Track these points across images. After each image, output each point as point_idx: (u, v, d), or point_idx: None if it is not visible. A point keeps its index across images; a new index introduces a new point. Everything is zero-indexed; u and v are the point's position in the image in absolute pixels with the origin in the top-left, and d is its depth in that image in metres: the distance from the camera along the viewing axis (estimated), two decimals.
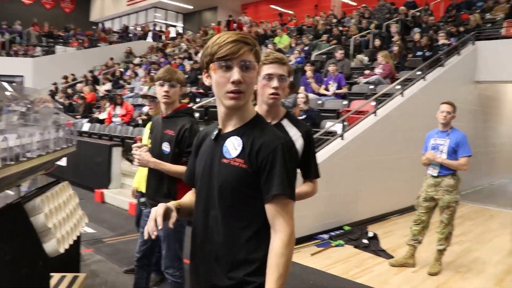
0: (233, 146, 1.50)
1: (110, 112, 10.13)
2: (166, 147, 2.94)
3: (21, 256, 2.83)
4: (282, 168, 1.42)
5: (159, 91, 3.00)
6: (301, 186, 2.31)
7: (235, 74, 1.43)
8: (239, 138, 1.50)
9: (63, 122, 4.39)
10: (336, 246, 5.59)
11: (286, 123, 2.31)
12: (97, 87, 13.75)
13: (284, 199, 1.43)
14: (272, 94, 2.19)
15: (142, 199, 3.39)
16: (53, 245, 2.94)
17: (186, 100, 9.61)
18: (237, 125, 1.53)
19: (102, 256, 4.91)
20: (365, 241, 5.75)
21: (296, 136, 2.26)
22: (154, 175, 3.01)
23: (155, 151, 2.99)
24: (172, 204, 1.57)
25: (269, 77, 2.20)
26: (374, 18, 12.72)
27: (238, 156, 1.47)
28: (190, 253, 1.63)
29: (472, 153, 4.58)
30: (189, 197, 1.74)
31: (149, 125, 3.65)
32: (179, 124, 2.95)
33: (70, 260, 3.70)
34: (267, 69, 2.20)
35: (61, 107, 6.00)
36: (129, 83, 13.39)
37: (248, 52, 1.46)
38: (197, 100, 10.05)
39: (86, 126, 10.17)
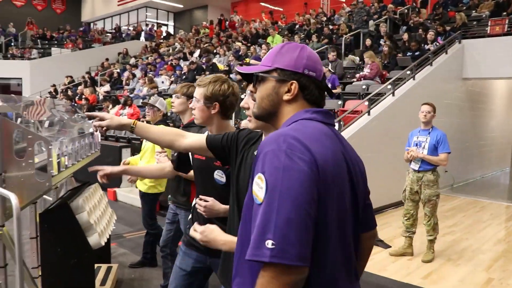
0: None
1: (118, 112, 10.46)
2: None
3: (69, 249, 3.22)
4: None
5: None
6: None
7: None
8: None
9: (88, 129, 4.78)
10: None
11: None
12: (97, 88, 14.01)
13: None
14: None
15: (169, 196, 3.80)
16: (96, 239, 3.34)
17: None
18: None
19: (125, 249, 5.34)
20: None
21: None
22: (174, 178, 3.47)
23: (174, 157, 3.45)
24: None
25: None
26: (353, 21, 13.10)
27: None
28: None
29: (450, 150, 5.02)
30: None
31: None
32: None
33: (102, 252, 4.09)
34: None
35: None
36: (127, 84, 13.67)
37: None
38: None
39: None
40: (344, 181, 1.27)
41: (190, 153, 2.55)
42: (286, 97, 1.37)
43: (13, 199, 2.20)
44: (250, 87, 1.51)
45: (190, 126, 3.42)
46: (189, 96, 3.38)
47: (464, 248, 5.81)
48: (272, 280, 1.11)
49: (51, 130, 4.11)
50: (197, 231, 1.78)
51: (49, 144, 3.36)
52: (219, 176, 2.38)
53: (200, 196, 2.24)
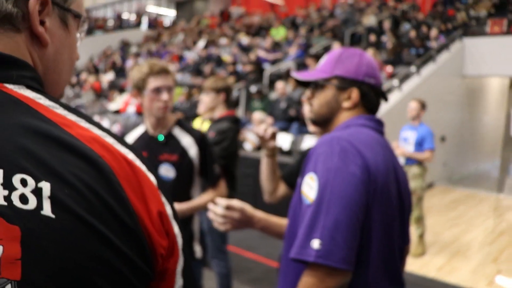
0: None
1: (127, 101, 10.55)
2: None
3: None
4: None
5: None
6: (202, 196, 2.33)
7: None
8: None
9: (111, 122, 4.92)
10: None
11: (177, 132, 2.25)
12: (100, 76, 14.00)
13: None
14: (163, 107, 2.14)
15: None
16: None
17: (194, 91, 10.08)
18: None
19: None
20: None
21: (189, 144, 2.23)
22: None
23: None
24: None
25: (158, 89, 2.12)
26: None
27: None
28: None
29: (434, 147, 5.13)
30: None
31: None
32: (219, 127, 3.36)
33: None
34: (154, 81, 2.10)
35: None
36: None
37: None
38: None
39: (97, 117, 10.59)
40: (392, 190, 1.26)
41: None
42: (346, 104, 1.38)
43: None
44: (308, 93, 1.47)
45: (219, 121, 3.39)
46: (218, 91, 3.39)
47: (470, 240, 6.11)
48: (315, 282, 1.10)
49: None
50: (236, 208, 1.50)
51: None
52: (167, 170, 2.19)
53: None
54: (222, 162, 3.17)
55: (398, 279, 1.32)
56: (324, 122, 1.44)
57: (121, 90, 11.46)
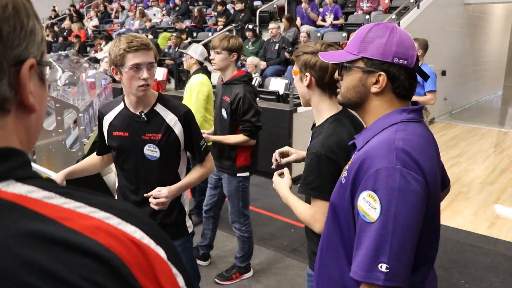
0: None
1: None
2: (224, 113, 3.16)
3: None
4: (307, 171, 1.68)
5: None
6: (191, 173, 2.27)
7: None
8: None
9: (100, 80, 4.64)
10: None
11: (160, 109, 2.13)
12: (84, 22, 13.40)
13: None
14: (142, 86, 1.98)
15: None
16: None
17: (183, 36, 9.62)
18: (318, 123, 1.78)
19: None
20: None
21: (173, 122, 2.12)
22: (214, 145, 3.27)
23: (218, 116, 3.27)
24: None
25: (137, 67, 1.95)
26: None
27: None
28: None
29: (436, 89, 4.79)
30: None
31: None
32: (234, 92, 3.10)
33: None
34: (133, 58, 1.93)
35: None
36: (117, 17, 13.10)
37: None
38: (194, 35, 10.07)
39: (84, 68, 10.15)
40: (438, 178, 1.25)
41: (106, 131, 2.19)
42: (374, 89, 1.28)
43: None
44: (336, 74, 1.41)
45: (233, 84, 3.17)
46: (231, 50, 3.11)
47: (472, 180, 5.96)
48: None
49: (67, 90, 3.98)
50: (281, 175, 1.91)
51: (79, 112, 3.28)
52: (151, 151, 2.11)
53: (151, 198, 2.05)
54: (259, 125, 3.16)
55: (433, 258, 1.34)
56: (352, 106, 1.38)
57: (109, 37, 10.93)
